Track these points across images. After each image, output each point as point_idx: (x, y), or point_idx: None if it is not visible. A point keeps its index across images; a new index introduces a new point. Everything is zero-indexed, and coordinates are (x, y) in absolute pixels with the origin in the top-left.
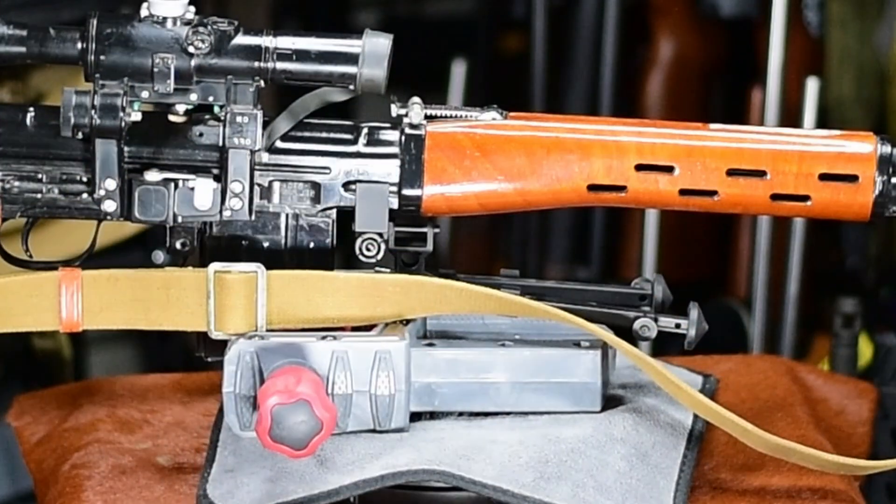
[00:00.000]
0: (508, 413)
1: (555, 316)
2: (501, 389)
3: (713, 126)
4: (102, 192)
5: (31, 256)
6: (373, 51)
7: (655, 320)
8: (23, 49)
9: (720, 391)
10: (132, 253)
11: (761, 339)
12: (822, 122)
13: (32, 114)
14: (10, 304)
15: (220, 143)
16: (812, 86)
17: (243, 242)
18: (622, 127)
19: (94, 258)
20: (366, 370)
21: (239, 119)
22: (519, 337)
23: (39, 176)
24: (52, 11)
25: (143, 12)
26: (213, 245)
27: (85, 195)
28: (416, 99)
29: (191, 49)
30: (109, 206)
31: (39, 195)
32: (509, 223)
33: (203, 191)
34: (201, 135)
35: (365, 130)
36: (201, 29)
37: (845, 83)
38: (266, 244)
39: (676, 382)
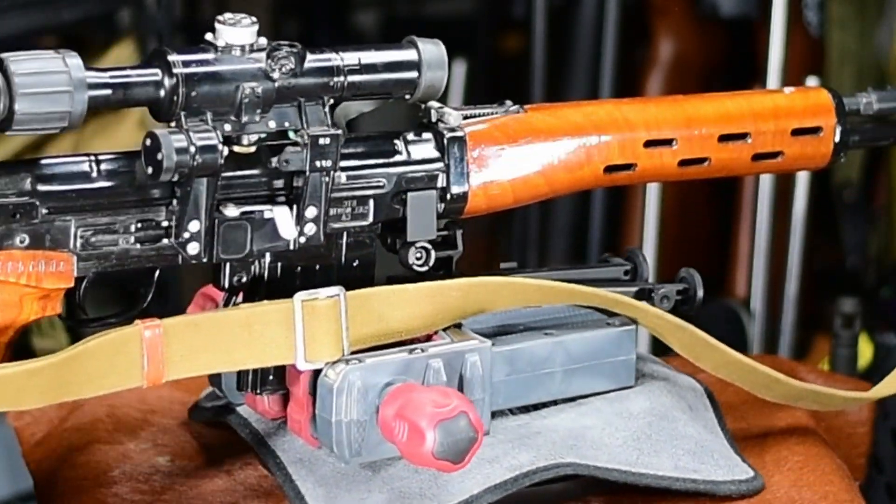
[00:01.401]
0: (556, 402)
1: (607, 300)
2: (555, 378)
3: (694, 96)
4: (187, 235)
5: (86, 314)
6: (432, 57)
7: (675, 290)
8: (108, 94)
9: (721, 390)
10: None
11: (761, 339)
12: None
13: (99, 162)
14: (97, 367)
15: (304, 168)
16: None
17: (297, 269)
18: (628, 106)
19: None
20: (456, 377)
21: (322, 141)
22: (523, 328)
23: (115, 227)
24: (53, 11)
25: (219, 42)
26: (270, 275)
27: (165, 240)
28: (434, 103)
29: (274, 75)
30: (193, 248)
31: (115, 248)
32: (509, 223)
33: (284, 220)
34: (287, 162)
35: (403, 139)
36: (277, 53)
37: (845, 83)
38: (317, 266)
39: (713, 343)
